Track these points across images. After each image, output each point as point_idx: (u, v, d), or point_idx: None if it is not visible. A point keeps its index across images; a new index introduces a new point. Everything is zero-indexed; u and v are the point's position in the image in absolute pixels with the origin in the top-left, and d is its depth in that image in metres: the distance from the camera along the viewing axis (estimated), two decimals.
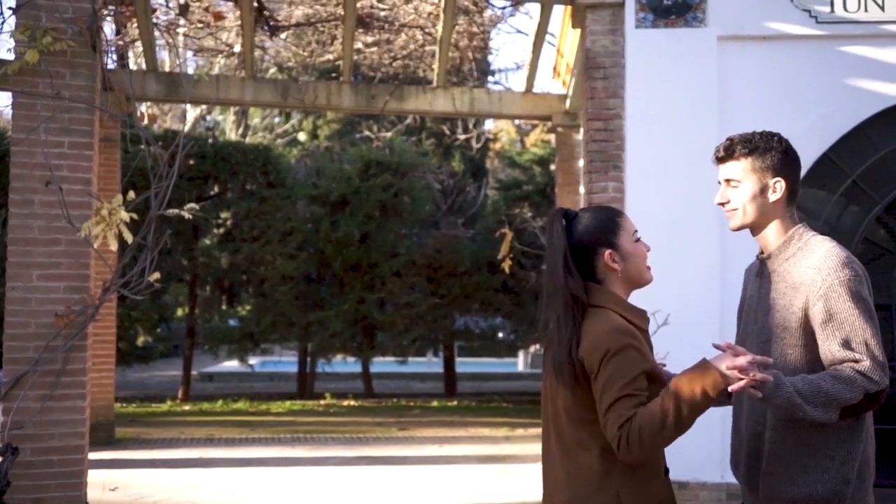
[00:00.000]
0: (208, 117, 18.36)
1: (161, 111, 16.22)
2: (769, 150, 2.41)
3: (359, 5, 8.47)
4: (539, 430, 8.77)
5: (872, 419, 2.41)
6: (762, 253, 2.48)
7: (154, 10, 8.42)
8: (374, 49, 10.10)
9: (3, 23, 5.11)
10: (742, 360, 2.05)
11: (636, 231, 2.33)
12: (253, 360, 14.33)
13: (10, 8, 4.97)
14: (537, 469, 7.65)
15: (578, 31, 6.63)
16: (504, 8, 11.26)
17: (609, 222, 2.31)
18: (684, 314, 5.37)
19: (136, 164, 6.79)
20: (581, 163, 7.84)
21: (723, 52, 5.92)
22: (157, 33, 8.91)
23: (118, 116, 6.70)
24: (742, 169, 2.42)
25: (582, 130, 7.08)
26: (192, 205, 4.97)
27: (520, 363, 18.92)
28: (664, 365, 2.37)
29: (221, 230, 13.15)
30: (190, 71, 14.38)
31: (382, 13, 9.55)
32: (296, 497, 6.41)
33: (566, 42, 8.38)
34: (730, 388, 2.06)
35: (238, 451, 8.29)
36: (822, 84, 5.91)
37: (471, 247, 13.32)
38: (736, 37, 5.95)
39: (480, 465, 7.65)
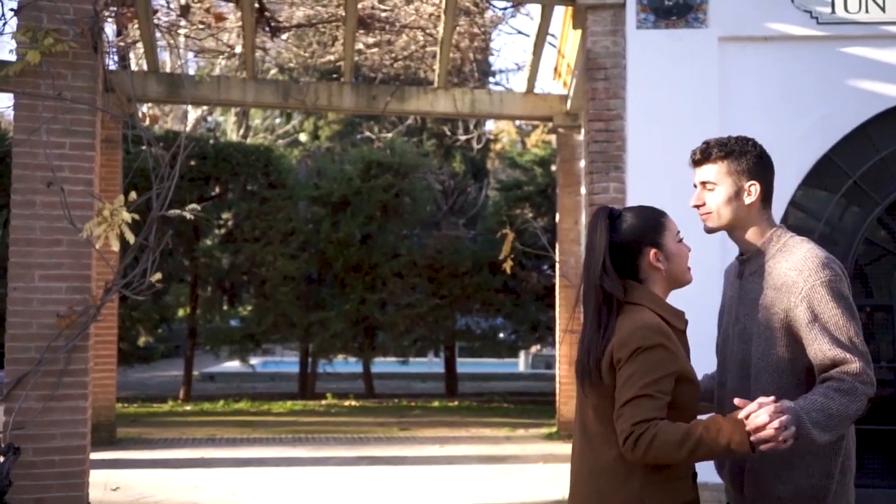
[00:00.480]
0: (209, 118, 18.37)
1: (162, 112, 16.24)
2: (744, 153, 2.45)
3: (360, 6, 8.48)
4: (540, 431, 8.79)
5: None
6: (742, 254, 2.52)
7: (155, 12, 8.43)
8: (375, 50, 10.11)
9: (4, 24, 5.11)
10: (762, 419, 2.02)
11: (679, 231, 2.37)
12: (254, 361, 14.34)
13: (11, 9, 4.99)
14: (538, 469, 7.69)
15: (579, 31, 6.64)
16: (505, 9, 11.27)
17: (654, 222, 2.34)
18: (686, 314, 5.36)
19: (138, 164, 6.81)
20: (582, 163, 7.84)
21: (724, 53, 5.92)
22: (158, 34, 8.92)
23: (119, 117, 6.71)
24: (717, 172, 2.45)
25: (583, 131, 7.09)
26: (194, 205, 4.97)
27: (520, 364, 18.92)
28: None
29: (223, 231, 13.16)
30: (191, 72, 14.39)
31: (383, 14, 9.55)
32: (297, 497, 6.42)
33: (567, 43, 8.39)
34: (762, 448, 2.04)
35: (239, 452, 8.29)
36: (823, 85, 5.91)
37: (472, 247, 13.32)
38: (737, 38, 5.95)
39: (481, 465, 7.65)
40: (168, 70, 13.58)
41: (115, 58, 9.12)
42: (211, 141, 13.27)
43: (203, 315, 13.56)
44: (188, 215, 4.86)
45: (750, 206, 2.45)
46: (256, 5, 8.26)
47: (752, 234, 2.47)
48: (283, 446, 8.66)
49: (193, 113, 15.87)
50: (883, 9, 5.91)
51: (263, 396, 13.36)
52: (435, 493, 6.61)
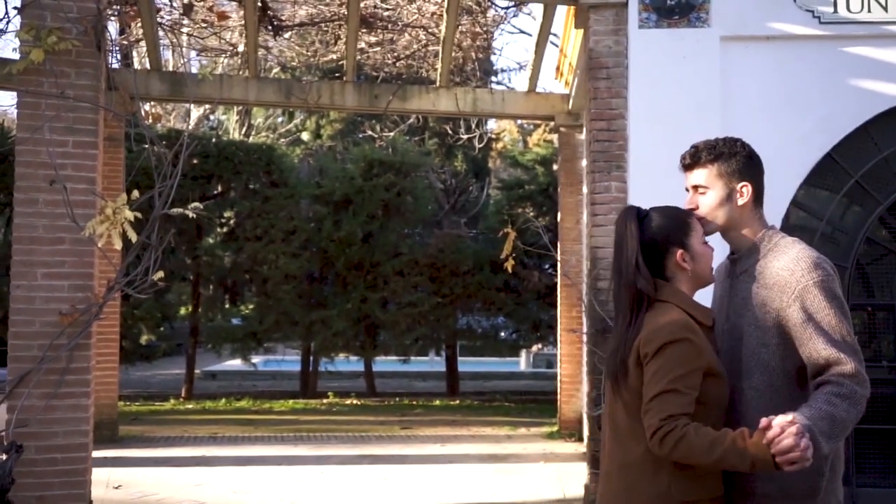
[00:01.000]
0: (212, 117, 18.39)
1: (165, 110, 16.24)
2: (733, 155, 2.47)
3: (362, 5, 8.49)
4: (541, 430, 8.80)
5: None
6: (733, 253, 2.53)
7: (158, 10, 8.44)
8: (377, 49, 10.11)
9: (8, 22, 5.13)
10: (788, 443, 2.02)
11: (704, 233, 2.42)
12: (256, 359, 14.34)
13: (15, 7, 5.00)
14: (539, 468, 7.70)
15: (581, 31, 6.64)
16: (507, 8, 11.27)
17: (682, 222, 2.40)
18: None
19: (140, 163, 6.81)
20: (584, 163, 7.84)
21: (726, 53, 5.92)
22: (161, 33, 8.93)
23: (122, 116, 6.73)
24: (708, 175, 2.47)
25: (585, 130, 7.09)
26: (196, 204, 4.99)
27: (522, 363, 18.91)
28: None
29: (225, 229, 13.17)
30: (194, 70, 14.40)
31: (386, 13, 9.56)
32: (298, 495, 6.43)
33: (569, 42, 8.39)
34: (787, 469, 2.05)
35: (241, 450, 8.30)
36: (825, 84, 5.92)
37: (473, 246, 13.32)
38: (739, 37, 5.95)
39: (482, 464, 7.66)
40: (171, 68, 13.60)
41: (118, 56, 9.14)
42: (213, 139, 13.27)
43: (205, 313, 13.56)
44: (190, 214, 4.88)
45: (743, 206, 2.46)
46: (259, 4, 8.27)
47: (745, 234, 2.48)
48: (284, 445, 8.67)
49: (196, 111, 15.87)
50: (885, 8, 5.91)
51: (265, 395, 13.37)
52: (436, 491, 6.61)
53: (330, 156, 15.72)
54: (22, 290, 4.83)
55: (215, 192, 12.91)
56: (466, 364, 15.95)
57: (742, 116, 5.77)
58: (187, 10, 8.36)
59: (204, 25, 9.58)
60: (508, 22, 13.26)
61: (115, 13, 6.47)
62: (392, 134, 14.73)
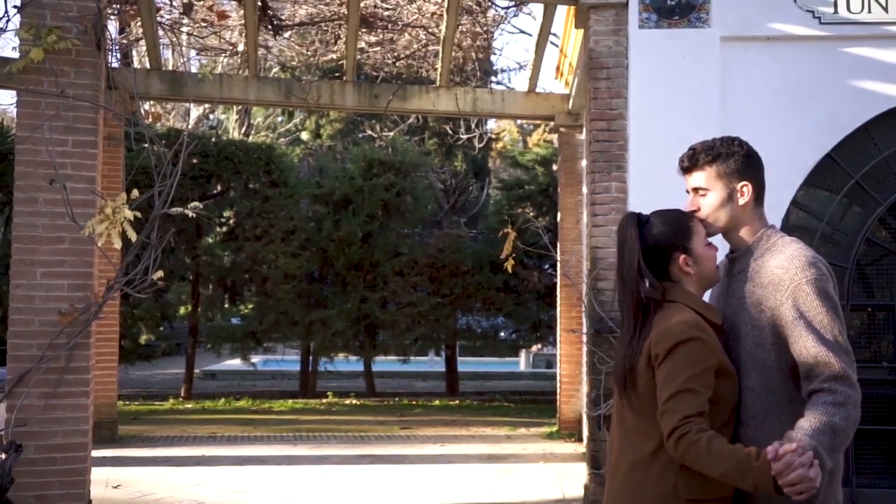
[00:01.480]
0: (211, 116, 18.38)
1: (164, 110, 16.24)
2: (731, 154, 2.46)
3: (362, 5, 8.49)
4: (540, 430, 8.79)
5: None
6: (731, 252, 2.53)
7: (158, 9, 8.44)
8: (377, 49, 10.12)
9: (7, 21, 5.13)
10: (798, 475, 2.02)
11: (706, 234, 2.44)
12: (255, 359, 14.34)
13: (14, 6, 4.99)
14: (538, 468, 7.69)
15: (581, 31, 6.64)
16: (507, 8, 11.27)
17: (683, 227, 2.41)
18: None
19: (140, 162, 6.80)
20: (584, 163, 7.84)
21: (726, 53, 5.92)
22: (160, 32, 8.93)
23: (122, 115, 6.72)
24: (707, 177, 2.46)
25: (585, 130, 7.09)
26: (196, 203, 4.98)
27: (521, 363, 18.91)
28: None
29: (224, 229, 13.16)
30: (193, 70, 14.40)
31: (386, 13, 9.56)
32: (298, 495, 6.42)
33: (569, 42, 8.39)
34: (794, 498, 2.06)
35: (240, 450, 8.30)
36: (825, 85, 5.91)
37: (473, 246, 13.32)
38: (739, 37, 5.95)
39: (482, 464, 7.66)
40: (170, 68, 13.59)
41: (118, 55, 9.14)
42: (213, 139, 13.26)
43: (204, 313, 13.55)
44: (190, 213, 4.87)
45: (744, 206, 2.46)
46: (259, 3, 8.27)
47: (744, 234, 2.47)
48: (283, 444, 8.67)
49: (195, 111, 15.87)
50: (885, 9, 5.91)
51: (264, 395, 13.36)
52: (435, 491, 6.61)
53: (330, 155, 15.72)
54: (21, 289, 4.83)
55: (215, 191, 12.90)
56: (466, 364, 15.95)
57: (742, 117, 5.77)
58: (187, 9, 8.36)
59: (204, 25, 9.58)
60: (508, 22, 13.26)
61: (115, 12, 6.47)
62: (392, 134, 14.73)
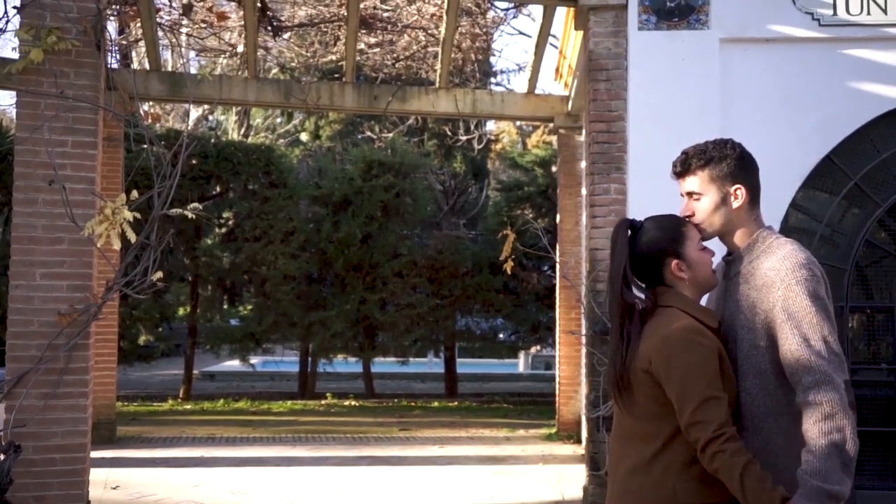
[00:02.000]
0: (211, 117, 18.38)
1: (164, 111, 16.25)
2: (724, 158, 2.45)
3: (362, 6, 8.49)
4: (539, 431, 8.78)
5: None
6: (729, 255, 2.52)
7: (158, 10, 8.44)
8: (376, 50, 10.13)
9: (7, 22, 5.13)
10: None
11: (701, 238, 2.44)
12: (254, 360, 14.33)
13: (14, 7, 4.99)
14: (537, 470, 7.68)
15: (581, 33, 6.64)
16: (507, 10, 11.28)
17: (675, 232, 2.41)
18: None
19: (139, 163, 6.80)
20: (583, 164, 7.84)
21: (725, 55, 5.93)
22: (160, 33, 8.93)
23: (121, 116, 6.72)
24: (701, 181, 2.46)
25: (584, 132, 7.09)
26: (196, 204, 4.99)
27: (520, 364, 18.91)
28: None
29: (223, 230, 13.16)
30: (193, 71, 14.40)
31: (385, 14, 9.57)
32: (296, 496, 6.42)
33: (569, 44, 8.39)
34: None
35: (239, 451, 8.30)
36: (824, 86, 5.92)
37: (472, 248, 13.32)
38: (738, 39, 5.95)
39: (481, 465, 7.66)
40: (170, 69, 13.60)
41: (118, 56, 9.14)
42: (212, 140, 13.26)
43: (203, 314, 13.55)
44: (189, 214, 4.87)
45: (738, 209, 2.45)
46: (258, 4, 8.27)
47: (740, 236, 2.47)
48: (282, 446, 8.67)
49: (195, 112, 15.87)
50: (885, 11, 5.91)
51: (263, 396, 13.36)
52: (434, 493, 6.61)
53: (329, 157, 15.72)
54: (21, 289, 4.82)
55: (214, 192, 12.90)
56: (465, 365, 15.94)
57: (741, 118, 5.77)
58: (187, 10, 8.37)
59: (203, 26, 9.58)
60: (508, 23, 13.27)
61: (115, 13, 6.48)
62: (391, 135, 14.74)
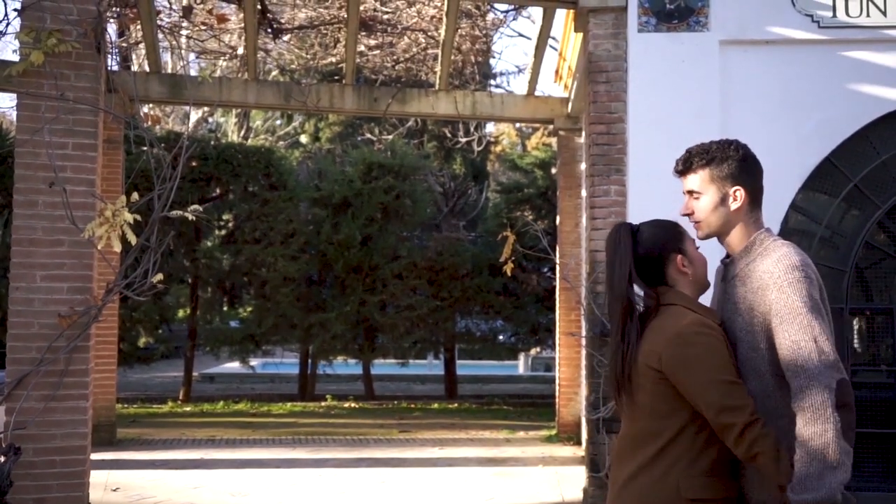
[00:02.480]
0: (210, 119, 18.39)
1: (164, 113, 16.26)
2: (726, 159, 2.45)
3: (362, 8, 8.50)
4: (539, 433, 8.77)
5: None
6: (727, 257, 2.53)
7: (158, 13, 8.45)
8: (376, 52, 10.14)
9: (8, 24, 5.13)
10: None
11: (694, 240, 2.50)
12: (254, 362, 14.34)
13: (15, 9, 5.00)
14: (537, 471, 7.68)
15: (581, 35, 6.65)
16: (506, 12, 11.29)
17: (674, 230, 2.45)
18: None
19: (140, 165, 6.80)
20: (583, 166, 7.85)
21: (725, 57, 5.93)
22: (160, 35, 8.93)
23: (122, 118, 6.72)
24: (701, 180, 2.47)
25: (584, 134, 7.09)
26: (196, 206, 4.98)
27: (520, 366, 18.92)
28: None
29: (223, 232, 13.16)
30: (193, 73, 14.41)
31: (385, 16, 9.58)
32: (296, 498, 6.42)
33: (568, 46, 8.40)
34: None
35: (239, 453, 8.30)
36: (824, 88, 5.92)
37: (472, 249, 13.33)
38: (738, 41, 5.96)
39: (481, 467, 7.66)
40: (170, 71, 13.61)
41: (118, 58, 9.14)
42: (212, 142, 13.27)
43: (203, 316, 13.55)
44: (189, 216, 4.87)
45: (737, 210, 2.45)
46: (258, 7, 8.27)
47: (738, 238, 2.47)
48: (282, 447, 8.67)
49: (195, 114, 15.88)
50: (884, 13, 5.92)
51: (263, 398, 13.36)
52: (434, 494, 6.61)
53: (329, 158, 15.72)
54: (21, 291, 4.83)
55: (214, 194, 12.91)
56: (465, 367, 15.95)
57: (741, 120, 5.78)
58: (187, 12, 8.38)
59: (203, 28, 9.59)
60: (508, 25, 13.28)
61: (115, 15, 6.48)
62: (391, 137, 14.75)
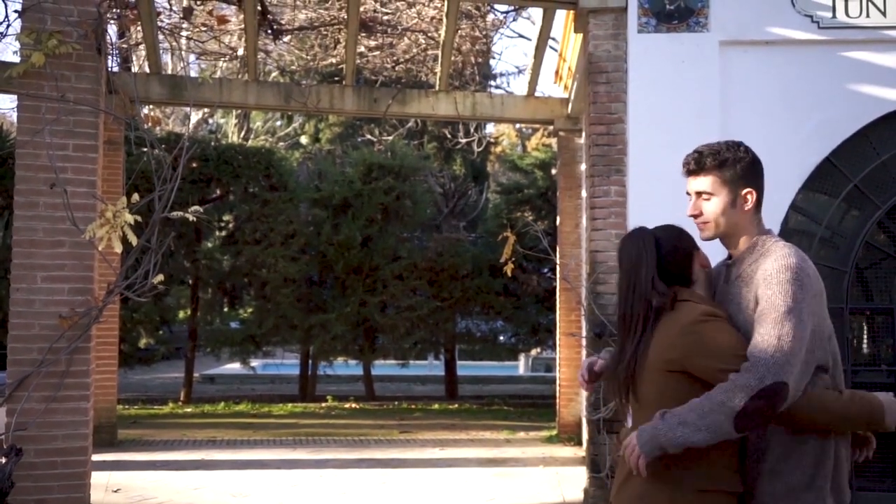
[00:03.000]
0: (211, 120, 18.40)
1: (164, 114, 16.26)
2: (738, 160, 2.46)
3: (362, 9, 8.50)
4: (540, 434, 8.77)
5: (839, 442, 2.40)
6: (728, 258, 2.55)
7: (158, 14, 8.46)
8: (376, 53, 10.14)
9: (8, 26, 5.13)
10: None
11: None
12: (254, 363, 14.34)
13: (15, 11, 5.00)
14: (538, 472, 7.68)
15: (581, 35, 6.65)
16: (506, 12, 11.30)
17: (685, 231, 2.53)
18: None
19: (140, 166, 6.81)
20: (583, 167, 7.85)
21: (725, 57, 5.93)
22: (160, 36, 8.94)
23: (122, 119, 6.73)
24: (713, 182, 2.47)
25: (584, 134, 7.10)
26: (196, 207, 4.98)
27: (521, 367, 18.92)
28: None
29: (224, 233, 13.16)
30: (193, 74, 14.42)
31: (385, 17, 9.59)
32: (297, 499, 6.42)
33: (568, 46, 8.41)
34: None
35: (240, 454, 8.30)
36: (824, 89, 5.93)
37: (472, 250, 13.33)
38: (738, 42, 5.96)
39: (481, 467, 7.66)
40: (170, 72, 13.61)
41: (118, 60, 9.15)
42: (212, 143, 13.27)
43: (204, 317, 13.55)
44: (190, 217, 4.87)
45: (746, 212, 2.47)
46: (258, 8, 8.28)
47: (742, 239, 2.49)
48: (283, 448, 8.67)
49: (195, 115, 15.89)
50: (884, 13, 5.92)
51: (264, 398, 13.36)
52: (435, 495, 6.61)
53: (329, 159, 15.73)
54: (22, 293, 4.83)
55: (214, 195, 12.91)
56: (465, 368, 15.95)
57: (741, 121, 5.78)
58: (187, 13, 8.38)
59: (203, 29, 9.60)
60: (508, 26, 13.29)
61: (115, 17, 6.47)
62: (391, 138, 14.75)
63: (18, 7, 4.97)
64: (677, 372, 2.32)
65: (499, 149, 20.67)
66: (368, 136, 15.83)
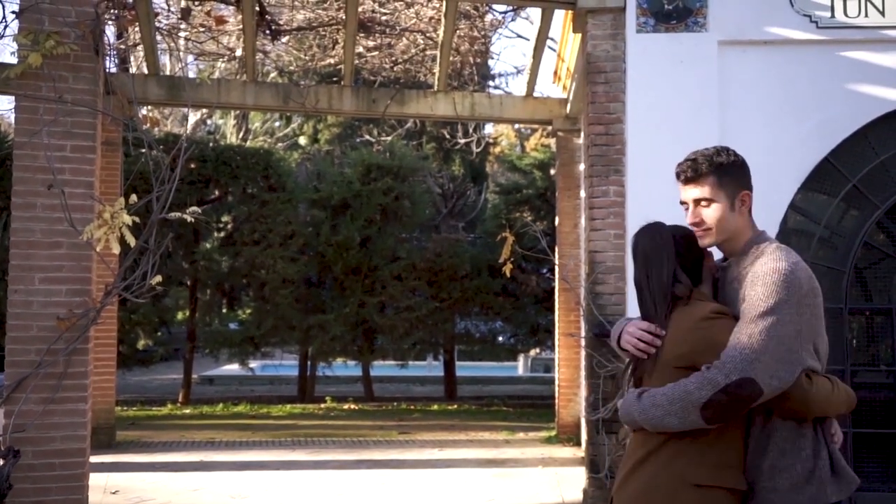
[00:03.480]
0: (209, 121, 18.39)
1: (162, 115, 16.25)
2: (731, 164, 2.46)
3: (360, 10, 8.50)
4: (539, 434, 8.77)
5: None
6: (724, 260, 2.55)
7: (156, 15, 8.45)
8: (375, 53, 10.14)
9: (6, 26, 5.12)
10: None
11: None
12: (253, 364, 14.33)
13: (13, 12, 4.99)
14: (537, 472, 7.68)
15: (579, 35, 6.65)
16: (505, 13, 11.29)
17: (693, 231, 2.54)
18: None
19: (138, 167, 6.80)
20: (582, 167, 7.85)
21: (723, 57, 5.93)
22: (158, 37, 8.93)
23: (120, 120, 6.72)
24: (711, 188, 2.45)
25: (582, 135, 7.10)
26: (194, 208, 4.98)
27: (520, 367, 18.91)
28: None
29: (222, 234, 13.15)
30: (191, 75, 14.41)
31: (384, 17, 9.58)
32: (296, 500, 6.42)
33: (567, 46, 8.40)
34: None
35: (238, 455, 8.29)
36: (823, 89, 5.93)
37: (471, 251, 13.32)
38: (737, 42, 5.96)
39: (480, 468, 7.65)
40: (168, 73, 13.60)
41: (116, 60, 9.14)
42: (211, 144, 13.26)
43: (202, 318, 13.54)
44: (188, 218, 4.87)
45: (744, 215, 2.47)
46: (257, 8, 8.27)
47: (738, 242, 2.49)
48: (282, 449, 8.66)
49: (193, 116, 15.87)
50: (882, 13, 5.92)
51: (263, 400, 13.35)
52: (434, 496, 6.61)
53: (328, 160, 15.72)
54: (19, 294, 4.82)
55: (213, 196, 12.90)
56: (464, 368, 15.94)
57: (740, 121, 5.78)
58: (185, 14, 8.37)
59: (202, 30, 9.59)
60: (506, 26, 13.30)
61: (113, 17, 6.47)
62: (390, 138, 14.75)
63: (16, 8, 4.96)
64: (686, 368, 2.32)
65: (497, 149, 20.67)
66: (367, 137, 15.83)
